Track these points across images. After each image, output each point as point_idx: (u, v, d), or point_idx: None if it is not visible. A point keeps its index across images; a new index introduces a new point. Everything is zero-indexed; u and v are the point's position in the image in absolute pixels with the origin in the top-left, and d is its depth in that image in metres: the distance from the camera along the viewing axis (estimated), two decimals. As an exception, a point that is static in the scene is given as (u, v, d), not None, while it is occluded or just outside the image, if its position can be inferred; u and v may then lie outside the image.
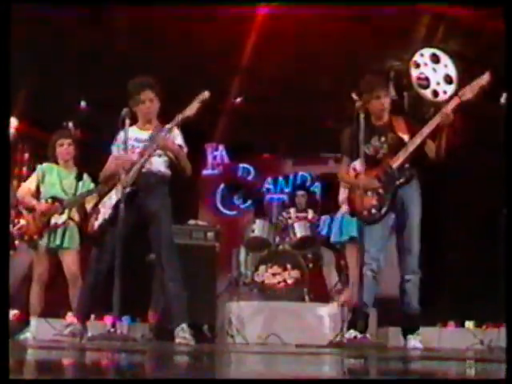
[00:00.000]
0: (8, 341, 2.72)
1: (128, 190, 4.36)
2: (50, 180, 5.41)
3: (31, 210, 5.31)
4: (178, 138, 4.57)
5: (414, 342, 4.50)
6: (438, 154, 4.46)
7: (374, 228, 4.51)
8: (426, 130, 4.41)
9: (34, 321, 5.31)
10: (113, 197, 4.49)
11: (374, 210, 4.53)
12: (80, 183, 5.51)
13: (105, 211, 4.50)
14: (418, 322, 4.63)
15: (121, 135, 4.52)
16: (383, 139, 4.55)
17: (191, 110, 4.37)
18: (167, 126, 4.46)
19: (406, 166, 4.50)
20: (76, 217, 5.40)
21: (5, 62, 2.99)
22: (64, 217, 5.32)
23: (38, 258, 5.32)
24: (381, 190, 4.52)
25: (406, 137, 4.55)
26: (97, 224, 4.50)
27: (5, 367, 2.02)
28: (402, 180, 4.48)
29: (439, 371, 2.74)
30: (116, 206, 4.34)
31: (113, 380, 1.99)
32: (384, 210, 4.49)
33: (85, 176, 5.53)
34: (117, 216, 4.25)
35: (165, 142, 4.43)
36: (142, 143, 4.52)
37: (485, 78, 4.36)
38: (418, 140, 4.43)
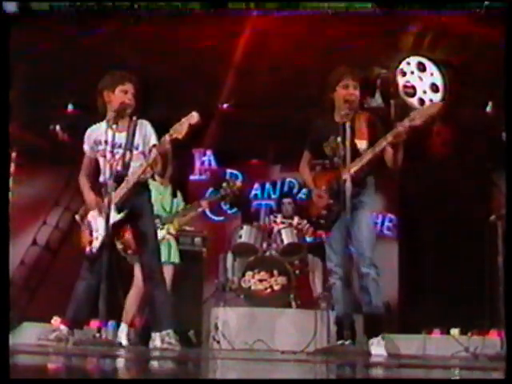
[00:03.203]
0: (8, 341, 2.69)
1: (121, 215, 4.28)
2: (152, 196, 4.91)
3: None
4: (152, 137, 4.43)
5: (377, 347, 4.17)
6: (394, 164, 4.31)
7: (332, 235, 4.41)
8: (377, 147, 4.22)
9: (125, 327, 5.25)
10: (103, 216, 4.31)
11: (321, 220, 4.46)
12: (175, 200, 5.55)
13: (97, 229, 4.37)
14: (382, 325, 4.34)
15: (105, 137, 4.34)
16: (339, 139, 4.24)
17: (180, 133, 4.13)
18: (154, 146, 4.30)
19: (363, 172, 4.31)
20: (172, 231, 5.42)
21: (5, 63, 2.99)
22: (163, 232, 5.32)
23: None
24: (331, 201, 4.40)
25: (363, 143, 4.34)
26: (95, 248, 4.35)
27: (5, 367, 2.01)
28: (353, 192, 4.17)
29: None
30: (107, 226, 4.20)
31: (112, 380, 2.00)
32: (331, 220, 4.39)
33: (178, 193, 5.50)
34: (111, 239, 4.22)
35: (163, 149, 4.26)
36: (120, 149, 4.37)
37: (436, 106, 4.23)
38: (369, 155, 4.26)
